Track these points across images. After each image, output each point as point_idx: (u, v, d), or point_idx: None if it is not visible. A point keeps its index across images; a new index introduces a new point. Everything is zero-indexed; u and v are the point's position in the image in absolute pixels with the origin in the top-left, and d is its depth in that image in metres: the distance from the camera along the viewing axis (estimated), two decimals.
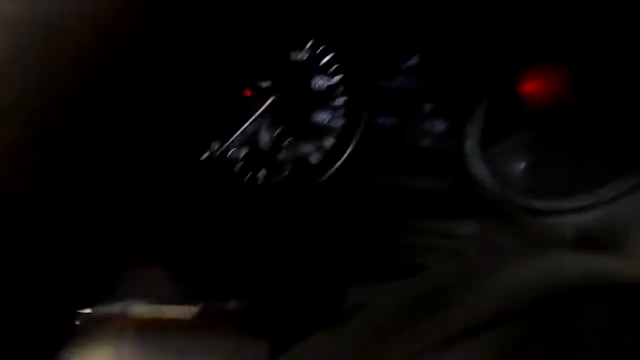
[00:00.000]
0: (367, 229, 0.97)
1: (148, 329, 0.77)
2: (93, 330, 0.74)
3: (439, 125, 1.03)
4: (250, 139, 0.94)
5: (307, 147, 0.96)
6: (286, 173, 0.96)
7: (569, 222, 1.01)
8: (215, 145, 0.93)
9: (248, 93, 0.93)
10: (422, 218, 1.02)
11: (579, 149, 1.07)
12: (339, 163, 0.96)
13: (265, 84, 0.93)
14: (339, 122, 0.97)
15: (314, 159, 0.97)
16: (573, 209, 1.02)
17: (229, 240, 0.93)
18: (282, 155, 0.95)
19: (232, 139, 0.92)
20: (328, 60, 0.94)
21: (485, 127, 1.00)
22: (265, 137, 0.93)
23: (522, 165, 1.06)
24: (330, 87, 0.95)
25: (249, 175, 0.95)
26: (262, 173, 0.95)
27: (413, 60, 1.01)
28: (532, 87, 1.07)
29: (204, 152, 0.94)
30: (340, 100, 0.96)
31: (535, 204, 1.03)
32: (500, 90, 1.00)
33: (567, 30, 0.99)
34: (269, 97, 0.91)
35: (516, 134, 1.04)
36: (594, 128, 1.06)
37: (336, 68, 0.95)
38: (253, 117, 0.90)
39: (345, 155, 0.96)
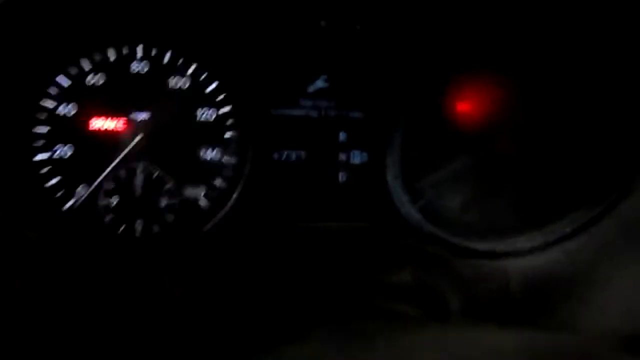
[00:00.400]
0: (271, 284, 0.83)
1: None
2: None
3: (357, 157, 0.90)
4: (123, 184, 0.79)
5: (193, 190, 0.80)
6: (170, 221, 0.79)
7: (515, 265, 0.84)
8: (80, 192, 0.78)
9: (119, 127, 0.79)
10: (343, 269, 0.88)
11: (526, 178, 0.92)
12: (228, 206, 0.80)
13: (139, 116, 0.79)
14: (230, 160, 0.82)
15: (203, 202, 0.81)
16: (520, 251, 0.86)
17: (100, 297, 0.78)
18: (164, 201, 0.79)
19: (96, 182, 0.76)
20: (214, 88, 0.81)
21: (408, 156, 0.86)
22: (140, 181, 0.79)
23: (459, 199, 0.90)
24: (219, 119, 0.81)
25: (122, 227, 0.79)
26: (139, 223, 0.79)
27: (319, 83, 0.89)
28: (465, 106, 0.93)
29: (67, 201, 0.78)
30: (230, 134, 0.81)
31: (475, 246, 0.85)
32: (425, 111, 0.86)
33: (502, 35, 0.85)
34: (141, 132, 0.78)
35: (449, 162, 0.90)
36: (545, 152, 0.92)
37: (224, 97, 0.81)
38: (120, 156, 0.76)
39: (235, 196, 0.80)
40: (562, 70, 0.86)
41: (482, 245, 0.86)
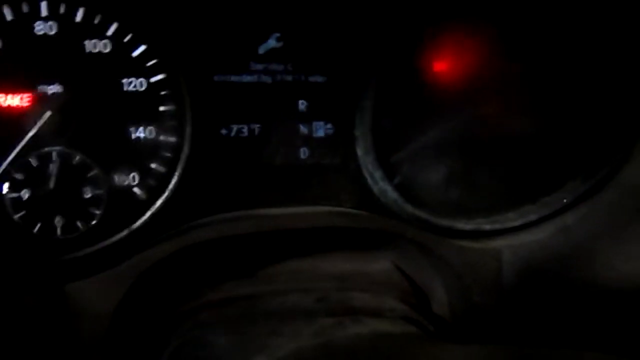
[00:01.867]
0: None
1: None
2: None
3: (320, 130, 0.78)
4: (35, 173, 0.64)
5: (124, 177, 0.66)
6: (97, 216, 0.65)
7: (507, 245, 0.73)
8: None
9: (24, 104, 0.63)
10: (310, 262, 0.76)
11: (516, 145, 0.81)
12: (167, 194, 0.66)
13: (49, 89, 0.63)
14: (168, 138, 0.68)
15: (137, 191, 0.67)
16: (512, 228, 0.77)
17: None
18: (87, 192, 0.64)
19: None
20: (142, 52, 0.66)
21: (380, 126, 0.74)
22: (55, 168, 0.64)
23: (440, 173, 0.78)
24: (150, 90, 0.66)
25: (38, 225, 0.64)
26: (58, 220, 0.64)
27: (271, 42, 0.76)
28: (443, 65, 0.81)
29: None
30: (166, 107, 0.67)
31: (460, 225, 0.75)
32: (397, 72, 0.72)
33: None
34: (52, 108, 0.62)
35: (428, 131, 0.78)
36: (536, 115, 0.80)
37: (156, 63, 0.67)
38: (26, 139, 0.61)
39: (174, 182, 0.66)
40: (554, 20, 0.74)
41: (468, 225, 0.76)
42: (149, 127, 0.67)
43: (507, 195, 0.77)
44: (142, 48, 0.66)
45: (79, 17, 0.64)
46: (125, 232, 0.65)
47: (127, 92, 0.66)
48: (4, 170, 0.62)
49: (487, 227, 0.75)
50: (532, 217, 0.74)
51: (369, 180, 0.73)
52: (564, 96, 0.77)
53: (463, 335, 0.72)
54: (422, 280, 0.75)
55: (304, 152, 0.74)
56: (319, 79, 0.73)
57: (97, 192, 0.66)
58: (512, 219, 0.76)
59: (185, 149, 0.65)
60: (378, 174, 0.73)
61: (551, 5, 0.74)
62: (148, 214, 0.65)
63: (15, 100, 0.63)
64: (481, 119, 0.78)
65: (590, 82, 0.76)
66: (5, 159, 0.62)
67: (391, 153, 0.74)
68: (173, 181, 0.66)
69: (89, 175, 0.65)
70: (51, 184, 0.63)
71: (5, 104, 0.63)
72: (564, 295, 0.70)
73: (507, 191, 0.77)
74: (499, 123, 0.78)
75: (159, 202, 0.66)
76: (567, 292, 0.70)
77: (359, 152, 0.72)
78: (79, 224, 0.65)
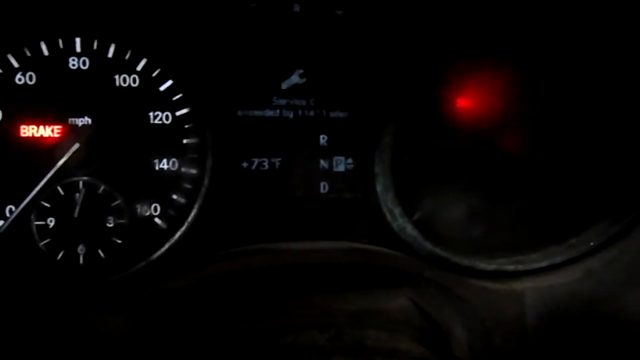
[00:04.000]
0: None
1: None
2: None
3: (341, 165, 0.78)
4: (62, 202, 0.65)
5: (146, 207, 0.67)
6: (118, 245, 0.66)
7: (530, 287, 0.71)
8: (5, 211, 0.65)
9: (55, 135, 0.66)
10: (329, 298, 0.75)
11: (540, 184, 0.80)
12: (186, 225, 0.67)
13: (79, 121, 0.66)
14: (190, 170, 0.69)
15: (158, 221, 0.68)
16: (536, 270, 0.74)
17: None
18: (111, 221, 0.66)
19: (26, 200, 0.63)
20: (169, 87, 0.68)
21: (400, 162, 0.73)
22: (81, 198, 0.65)
23: (461, 211, 0.76)
24: (175, 123, 0.68)
25: (61, 253, 0.66)
26: (81, 248, 0.65)
27: (294, 78, 0.77)
28: (466, 101, 0.80)
29: None
30: (189, 140, 0.69)
31: (482, 265, 0.73)
32: (419, 108, 0.72)
33: (507, 15, 0.71)
34: (80, 140, 0.65)
35: (449, 168, 0.77)
36: (561, 154, 0.79)
37: (181, 97, 0.69)
38: (54, 169, 0.63)
39: (194, 213, 0.67)
40: (579, 58, 0.73)
41: (490, 265, 0.74)
42: (172, 159, 0.68)
43: (531, 235, 0.75)
44: (169, 83, 0.68)
45: (110, 52, 0.67)
46: (143, 263, 0.66)
47: (153, 125, 0.68)
48: (32, 198, 0.65)
49: (510, 267, 0.73)
50: (558, 259, 0.72)
51: (388, 217, 0.73)
52: (590, 135, 0.76)
53: None
54: (442, 319, 0.73)
55: (324, 187, 0.74)
56: (340, 114, 0.74)
57: (120, 221, 0.67)
58: (536, 260, 0.74)
59: (205, 182, 0.66)
60: (397, 211, 0.72)
61: (574, 44, 0.74)
62: (167, 245, 0.66)
63: (47, 132, 0.66)
64: (504, 157, 0.77)
65: (617, 120, 0.74)
66: (34, 188, 0.64)
67: (411, 190, 0.74)
68: (192, 213, 0.67)
69: (112, 205, 0.67)
70: (76, 213, 0.66)
71: (38, 135, 0.66)
72: (589, 342, 0.67)
73: (531, 231, 0.76)
74: (522, 161, 0.77)
75: (177, 234, 0.67)
76: (592, 338, 0.67)
77: (379, 188, 0.72)
78: (100, 252, 0.67)
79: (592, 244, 0.71)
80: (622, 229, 0.72)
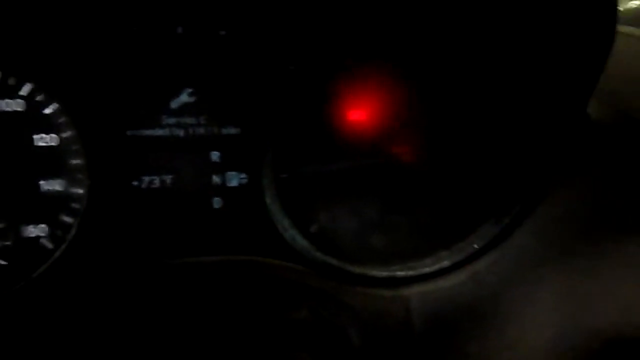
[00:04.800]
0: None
1: None
2: None
3: (233, 180, 0.80)
4: None
5: (32, 229, 0.68)
6: (2, 267, 0.67)
7: (417, 292, 0.72)
8: None
9: None
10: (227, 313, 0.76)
11: (431, 191, 0.82)
12: (68, 243, 0.67)
13: None
14: (78, 191, 0.69)
15: (46, 242, 0.68)
16: (424, 275, 0.76)
17: None
18: None
19: None
20: (55, 111, 0.69)
21: (282, 175, 0.74)
22: None
23: (356, 221, 0.78)
24: (61, 145, 0.69)
25: None
26: None
27: (183, 97, 0.79)
28: (357, 113, 0.84)
29: None
30: (76, 161, 0.69)
31: (375, 272, 0.74)
32: (307, 121, 0.74)
33: (396, 24, 0.73)
34: None
35: (340, 179, 0.79)
36: (449, 160, 0.82)
37: (65, 121, 0.70)
38: None
39: (73, 232, 0.67)
40: (462, 66, 0.76)
41: (382, 272, 0.76)
42: (59, 181, 0.69)
43: (424, 241, 0.77)
44: (55, 106, 0.69)
45: None
46: (23, 282, 0.66)
47: (38, 147, 0.69)
48: None
49: (401, 274, 0.75)
50: (446, 263, 0.74)
51: (280, 228, 0.74)
52: (472, 140, 0.78)
53: None
54: (339, 327, 0.75)
55: (217, 202, 0.76)
56: (232, 130, 0.75)
57: (5, 243, 0.68)
58: (427, 265, 0.75)
59: (88, 201, 0.67)
60: (287, 222, 0.73)
61: (462, 52, 0.77)
62: (47, 263, 0.67)
63: None
64: (397, 167, 0.80)
65: (498, 130, 0.77)
66: None
67: (301, 202, 0.76)
68: (73, 231, 0.68)
69: None
70: None
71: None
72: (475, 343, 0.69)
73: (423, 238, 0.77)
74: (412, 169, 0.80)
75: (57, 253, 0.67)
76: (477, 339, 0.69)
77: (267, 200, 0.73)
78: None
79: (475, 246, 0.73)
80: (503, 230, 0.74)
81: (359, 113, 0.80)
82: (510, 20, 0.72)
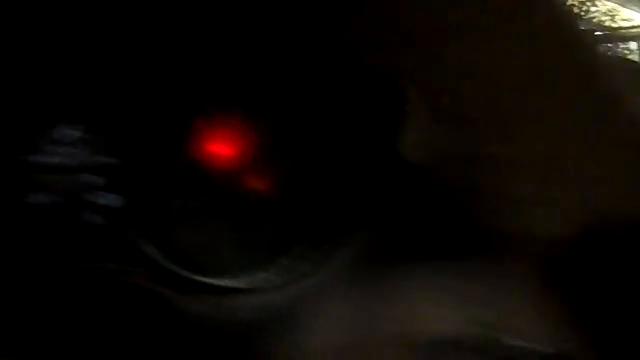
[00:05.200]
0: None
1: None
2: None
3: (114, 201, 0.94)
4: None
5: None
6: None
7: (247, 303, 0.84)
8: None
9: None
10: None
11: (274, 216, 0.92)
12: None
13: None
14: None
15: None
16: (247, 289, 0.86)
17: None
18: None
19: None
20: None
21: (140, 197, 0.89)
22: None
23: (204, 237, 0.92)
24: None
25: None
26: None
27: (67, 130, 0.94)
28: (214, 145, 0.94)
29: None
30: None
31: (210, 281, 0.88)
32: (165, 153, 0.88)
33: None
34: None
35: (190, 200, 0.92)
36: (289, 188, 0.91)
37: None
38: None
39: None
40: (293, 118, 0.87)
41: (220, 282, 0.87)
42: None
43: (256, 258, 0.87)
44: None
45: None
46: None
47: None
48: None
49: (230, 284, 0.85)
50: (260, 281, 0.83)
51: (140, 244, 0.88)
52: (309, 174, 0.87)
53: None
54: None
55: (93, 219, 0.91)
56: (111, 160, 0.91)
57: None
58: (259, 280, 0.86)
59: None
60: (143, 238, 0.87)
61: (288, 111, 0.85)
62: None
63: None
64: (244, 192, 0.90)
65: (326, 162, 0.85)
66: None
67: (153, 220, 0.88)
68: None
69: None
70: None
71: None
72: (274, 346, 0.78)
73: (257, 255, 0.88)
74: (257, 195, 0.90)
75: None
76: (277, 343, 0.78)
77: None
78: None
79: (285, 263, 0.81)
80: (323, 256, 0.82)
81: (217, 145, 0.92)
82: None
